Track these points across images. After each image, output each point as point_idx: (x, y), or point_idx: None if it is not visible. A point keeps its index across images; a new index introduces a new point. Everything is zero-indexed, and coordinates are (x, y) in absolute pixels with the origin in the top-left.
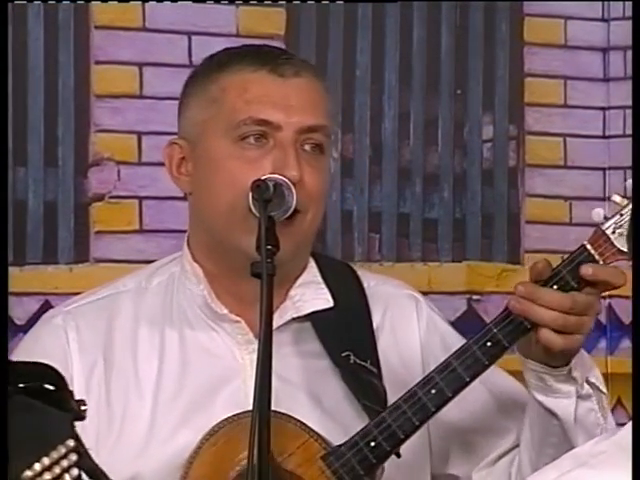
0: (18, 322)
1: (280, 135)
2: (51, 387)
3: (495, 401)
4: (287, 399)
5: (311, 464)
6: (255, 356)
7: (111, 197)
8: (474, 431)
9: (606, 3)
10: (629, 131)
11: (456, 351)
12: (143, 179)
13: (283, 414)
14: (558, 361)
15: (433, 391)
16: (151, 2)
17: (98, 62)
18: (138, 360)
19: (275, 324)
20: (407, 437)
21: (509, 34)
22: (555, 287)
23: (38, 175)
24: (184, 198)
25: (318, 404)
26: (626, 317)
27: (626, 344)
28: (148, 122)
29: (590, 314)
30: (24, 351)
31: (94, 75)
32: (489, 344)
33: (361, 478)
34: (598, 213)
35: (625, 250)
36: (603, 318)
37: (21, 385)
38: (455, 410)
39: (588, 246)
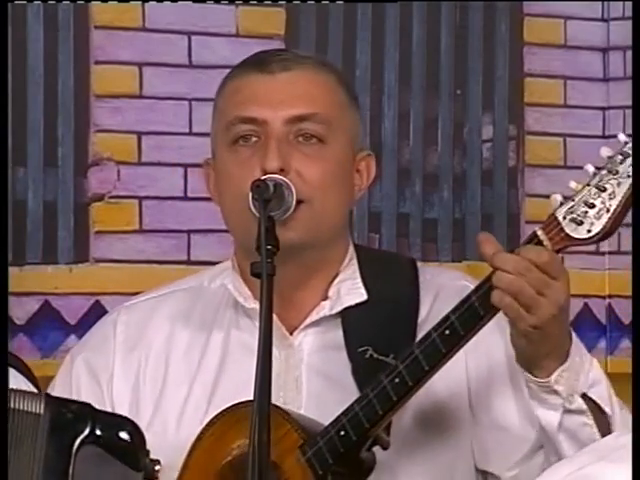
0: (18, 322)
1: (267, 130)
2: (126, 437)
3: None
4: (314, 390)
5: (289, 453)
6: (289, 351)
7: (111, 197)
8: (507, 429)
9: (606, 3)
10: (629, 131)
11: (420, 339)
12: (143, 179)
13: (272, 405)
14: (534, 361)
15: (396, 380)
16: (151, 2)
17: (98, 62)
18: (180, 353)
19: (310, 320)
20: (373, 426)
21: (509, 34)
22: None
23: (38, 175)
24: (184, 198)
25: (344, 395)
26: (626, 317)
27: (626, 344)
28: (148, 122)
29: (547, 295)
30: (82, 342)
31: (94, 75)
32: (447, 332)
33: (331, 467)
34: (555, 199)
35: (574, 236)
36: (603, 318)
37: (98, 432)
38: (490, 406)
39: (539, 232)
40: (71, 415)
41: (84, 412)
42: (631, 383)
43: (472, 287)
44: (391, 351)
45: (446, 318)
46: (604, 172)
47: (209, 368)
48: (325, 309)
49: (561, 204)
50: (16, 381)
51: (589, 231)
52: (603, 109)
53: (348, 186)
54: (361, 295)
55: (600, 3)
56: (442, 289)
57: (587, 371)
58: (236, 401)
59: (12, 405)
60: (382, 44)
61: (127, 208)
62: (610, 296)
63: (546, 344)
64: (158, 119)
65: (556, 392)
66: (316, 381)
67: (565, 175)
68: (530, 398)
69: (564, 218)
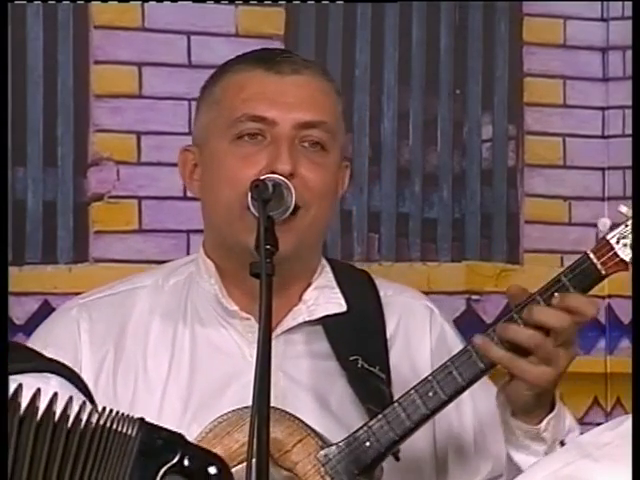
0: (17, 322)
1: (276, 131)
2: (214, 471)
3: (486, 424)
4: (294, 399)
5: (307, 461)
6: None
7: (110, 197)
8: (469, 447)
9: (605, 3)
10: (628, 131)
11: (456, 354)
12: (142, 179)
13: (284, 411)
14: (529, 410)
15: (430, 394)
16: (150, 2)
17: (97, 62)
18: (148, 354)
19: (287, 326)
20: (401, 439)
21: (508, 34)
22: (556, 294)
23: (37, 175)
24: (183, 198)
25: (324, 405)
26: (626, 317)
27: (625, 344)
28: (147, 122)
29: (565, 347)
30: (37, 339)
31: (93, 75)
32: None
33: (355, 477)
34: (604, 223)
35: (628, 260)
36: (602, 318)
37: (185, 463)
38: (456, 422)
39: (591, 255)
40: (161, 442)
41: (175, 441)
42: (631, 383)
43: (433, 307)
44: (375, 363)
45: (487, 334)
46: None
47: (180, 373)
48: (303, 314)
49: (611, 228)
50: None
51: None
52: (602, 109)
53: (337, 195)
54: (341, 306)
55: (600, 3)
56: (407, 308)
57: (564, 418)
58: (211, 406)
59: (106, 424)
60: (382, 44)
61: (126, 208)
62: (610, 296)
63: (547, 394)
64: (157, 119)
65: (542, 439)
66: (295, 389)
67: (564, 175)
68: (508, 444)
69: (617, 242)
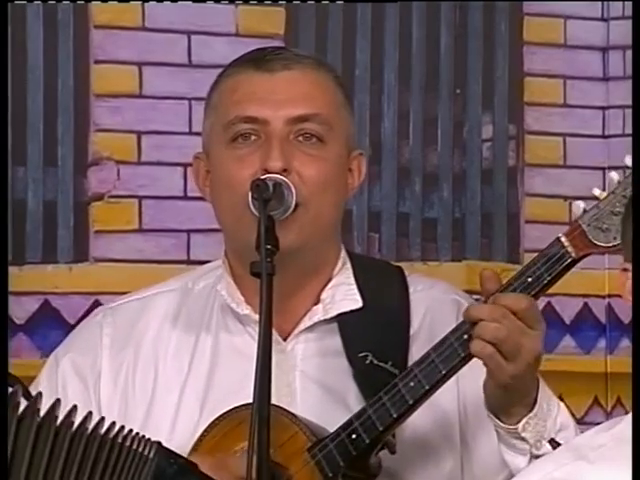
0: (17, 321)
1: (269, 129)
2: None
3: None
4: (311, 397)
5: (297, 456)
6: (281, 356)
7: (110, 196)
8: (487, 454)
9: (605, 3)
10: (628, 130)
11: (436, 343)
12: (142, 178)
13: (276, 407)
14: (504, 408)
15: (411, 384)
16: (151, 2)
17: (98, 61)
18: (169, 356)
19: (304, 326)
20: (386, 430)
21: (508, 34)
22: (529, 279)
23: (37, 174)
24: (183, 198)
25: (342, 403)
26: (626, 317)
27: (626, 343)
28: (147, 121)
29: (524, 343)
30: (63, 346)
31: (94, 74)
32: (465, 336)
33: (341, 470)
34: (578, 206)
35: (598, 243)
36: (603, 318)
37: None
38: (471, 430)
39: (563, 239)
40: (176, 467)
41: (188, 469)
42: (631, 383)
43: (462, 300)
44: (389, 359)
45: (464, 322)
46: (629, 180)
47: (199, 373)
48: (319, 314)
49: (585, 211)
50: None
51: (615, 238)
52: (603, 108)
53: (343, 186)
54: (356, 302)
55: (600, 3)
56: (434, 303)
57: (554, 416)
58: (228, 405)
59: (126, 443)
60: (382, 44)
61: (127, 207)
62: (610, 296)
63: (518, 393)
64: (158, 119)
65: (523, 439)
66: (311, 388)
67: (565, 175)
68: (499, 442)
69: (588, 225)
